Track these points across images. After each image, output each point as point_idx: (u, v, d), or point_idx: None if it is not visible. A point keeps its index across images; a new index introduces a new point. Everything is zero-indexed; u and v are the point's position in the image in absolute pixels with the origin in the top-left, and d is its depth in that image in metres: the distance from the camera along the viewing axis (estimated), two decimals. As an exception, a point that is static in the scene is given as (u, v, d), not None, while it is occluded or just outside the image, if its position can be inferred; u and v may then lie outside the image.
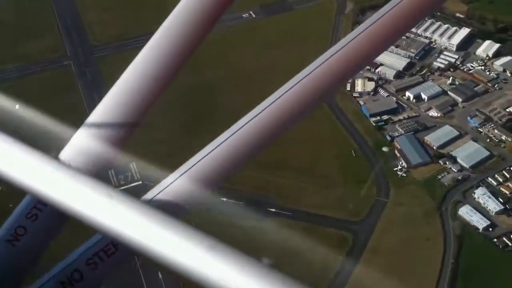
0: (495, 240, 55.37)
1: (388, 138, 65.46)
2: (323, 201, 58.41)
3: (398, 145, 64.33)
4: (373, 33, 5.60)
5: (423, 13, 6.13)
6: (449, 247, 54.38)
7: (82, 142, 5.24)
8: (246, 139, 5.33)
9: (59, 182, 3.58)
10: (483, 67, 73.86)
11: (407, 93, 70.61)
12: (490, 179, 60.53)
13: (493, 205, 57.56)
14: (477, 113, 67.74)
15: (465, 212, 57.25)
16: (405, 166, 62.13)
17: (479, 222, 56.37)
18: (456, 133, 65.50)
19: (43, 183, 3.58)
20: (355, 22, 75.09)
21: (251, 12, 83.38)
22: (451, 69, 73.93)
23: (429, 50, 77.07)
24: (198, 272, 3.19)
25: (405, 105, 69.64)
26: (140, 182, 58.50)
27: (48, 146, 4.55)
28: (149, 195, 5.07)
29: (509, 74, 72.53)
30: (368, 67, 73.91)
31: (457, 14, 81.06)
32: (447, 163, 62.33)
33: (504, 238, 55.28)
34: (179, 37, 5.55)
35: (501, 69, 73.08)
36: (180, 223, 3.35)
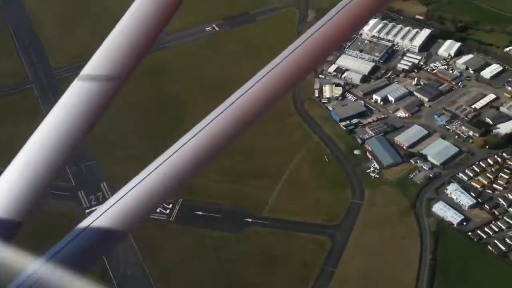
0: (469, 233, 55.90)
1: (359, 141, 65.81)
2: (299, 207, 58.10)
3: (369, 147, 64.69)
4: (326, 31, 6.01)
5: (369, 15, 6.44)
6: (426, 244, 54.59)
7: None
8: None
9: None
10: (446, 66, 75.23)
11: (374, 96, 71.33)
12: (461, 174, 61.27)
13: (465, 200, 58.18)
14: (443, 111, 68.77)
15: (439, 208, 57.69)
16: (378, 167, 62.44)
17: (453, 217, 56.88)
18: (425, 132, 66.32)
19: None
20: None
21: (213, 25, 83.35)
22: (415, 70, 75.10)
23: (392, 53, 78.18)
24: None
25: (373, 108, 70.28)
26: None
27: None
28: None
29: (471, 72, 73.94)
30: (334, 73, 74.59)
31: (417, 16, 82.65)
32: (418, 161, 62.91)
33: (479, 231, 55.84)
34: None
35: (464, 67, 74.51)
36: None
